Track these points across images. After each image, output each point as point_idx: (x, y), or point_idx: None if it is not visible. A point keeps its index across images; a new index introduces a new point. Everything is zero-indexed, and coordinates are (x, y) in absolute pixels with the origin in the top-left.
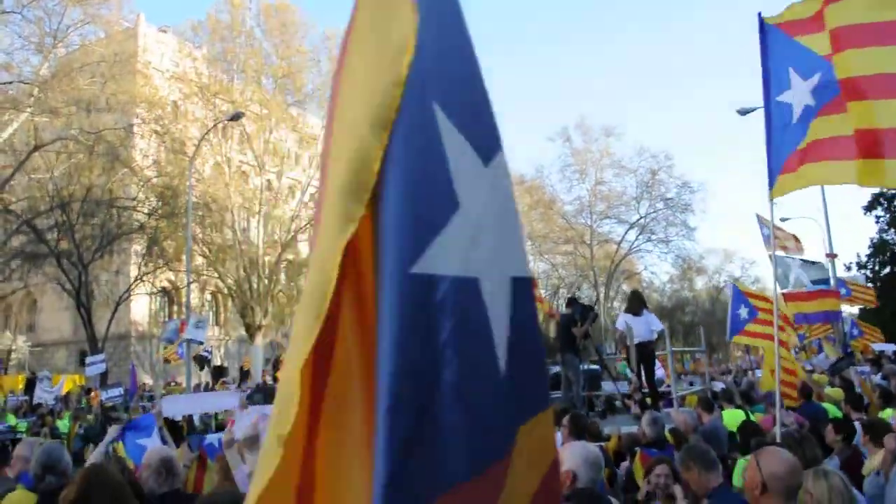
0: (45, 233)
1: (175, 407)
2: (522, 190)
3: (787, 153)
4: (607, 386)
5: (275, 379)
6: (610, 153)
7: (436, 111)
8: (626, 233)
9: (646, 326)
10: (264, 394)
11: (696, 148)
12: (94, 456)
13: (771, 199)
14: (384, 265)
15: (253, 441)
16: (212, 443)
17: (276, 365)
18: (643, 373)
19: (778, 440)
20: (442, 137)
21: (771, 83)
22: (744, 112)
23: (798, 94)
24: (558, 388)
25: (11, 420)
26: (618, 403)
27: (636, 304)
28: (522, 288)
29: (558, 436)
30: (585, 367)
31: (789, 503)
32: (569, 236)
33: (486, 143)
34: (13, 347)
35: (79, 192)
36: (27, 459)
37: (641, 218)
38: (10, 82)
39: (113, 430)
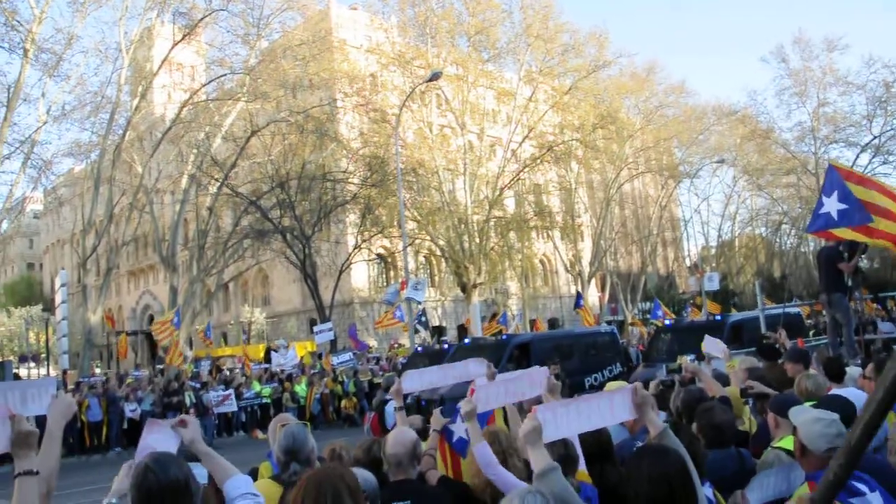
0: (270, 211)
1: (417, 382)
2: (734, 121)
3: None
4: (885, 327)
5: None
6: (834, 69)
7: None
8: (856, 157)
9: None
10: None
11: None
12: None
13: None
14: None
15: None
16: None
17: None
18: None
19: None
20: None
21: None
22: None
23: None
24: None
25: (256, 387)
26: None
27: None
28: None
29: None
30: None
31: None
32: (790, 166)
33: None
34: (252, 319)
35: (294, 169)
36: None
37: (875, 138)
38: (225, 75)
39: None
